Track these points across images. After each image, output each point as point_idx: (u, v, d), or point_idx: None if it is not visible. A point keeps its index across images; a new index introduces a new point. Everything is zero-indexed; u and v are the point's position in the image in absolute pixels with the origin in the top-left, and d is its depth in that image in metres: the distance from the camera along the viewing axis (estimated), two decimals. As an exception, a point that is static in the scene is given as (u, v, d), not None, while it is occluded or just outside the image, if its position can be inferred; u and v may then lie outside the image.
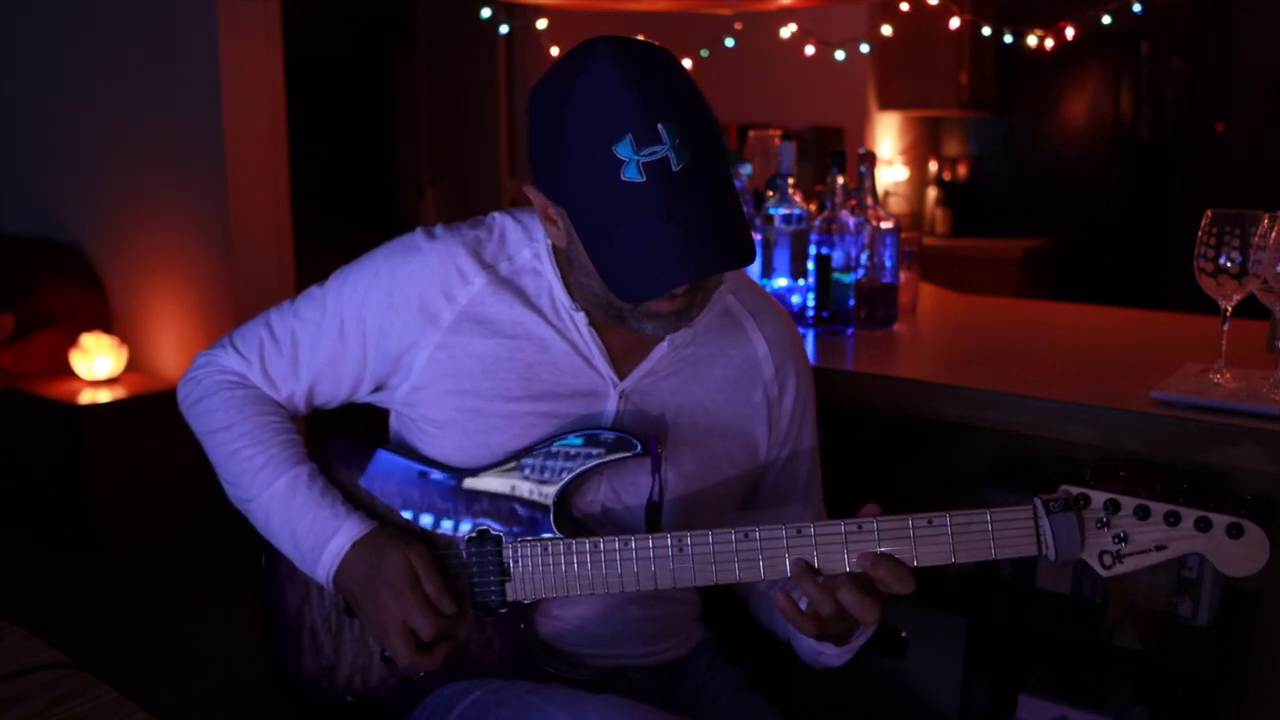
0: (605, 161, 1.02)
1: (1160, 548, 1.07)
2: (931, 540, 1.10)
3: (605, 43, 1.06)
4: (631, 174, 1.02)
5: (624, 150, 1.02)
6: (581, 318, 1.21)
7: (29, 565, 3.48)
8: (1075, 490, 1.09)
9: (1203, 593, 1.72)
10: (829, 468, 1.45)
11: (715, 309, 1.28)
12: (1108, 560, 1.09)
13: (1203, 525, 1.06)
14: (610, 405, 1.24)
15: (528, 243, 1.25)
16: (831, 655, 1.24)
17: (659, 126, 1.01)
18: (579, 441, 1.19)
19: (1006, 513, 1.09)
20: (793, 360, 1.34)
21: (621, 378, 1.24)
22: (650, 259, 1.04)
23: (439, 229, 1.27)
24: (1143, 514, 1.07)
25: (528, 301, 1.23)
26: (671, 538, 1.14)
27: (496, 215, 1.28)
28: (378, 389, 1.29)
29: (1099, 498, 1.08)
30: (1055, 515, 1.08)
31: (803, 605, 1.11)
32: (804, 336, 2.01)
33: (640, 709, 1.13)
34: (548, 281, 1.23)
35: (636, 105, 1.02)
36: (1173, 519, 1.07)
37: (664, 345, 1.24)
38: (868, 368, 1.77)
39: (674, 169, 1.02)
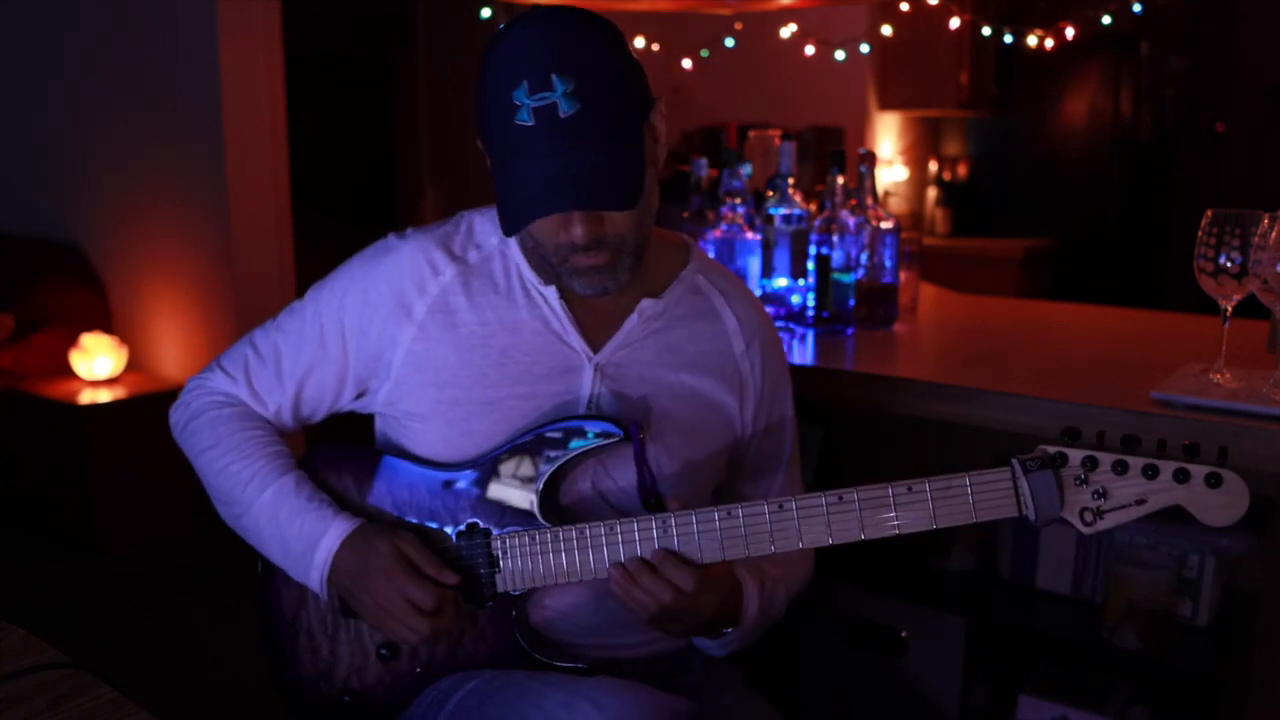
0: (506, 106, 1.10)
1: (1140, 501, 1.08)
2: (912, 506, 1.11)
3: (539, 5, 1.11)
4: (524, 118, 1.09)
5: (519, 95, 1.09)
6: (552, 292, 1.24)
7: (29, 565, 3.47)
8: (1053, 449, 1.10)
9: (1203, 593, 1.72)
10: (829, 467, 1.45)
11: (684, 285, 1.32)
12: (1088, 517, 1.09)
13: (1181, 476, 1.07)
14: (586, 380, 1.25)
15: (494, 230, 1.29)
16: (709, 645, 1.29)
17: (552, 76, 1.08)
18: (560, 432, 1.21)
19: (985, 475, 1.11)
20: (761, 337, 1.36)
21: (595, 351, 1.25)
22: (528, 192, 1.11)
23: (410, 230, 1.32)
24: (1121, 469, 1.08)
25: (497, 287, 1.26)
26: (656, 519, 1.16)
27: (464, 212, 1.33)
28: (360, 395, 1.32)
29: (1076, 455, 1.09)
30: (1033, 474, 1.09)
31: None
32: (804, 336, 2.02)
33: (636, 687, 1.15)
34: (515, 261, 1.27)
35: (535, 55, 1.09)
36: (1151, 472, 1.07)
37: (634, 316, 1.26)
38: (868, 368, 1.77)
39: (561, 115, 1.08)
